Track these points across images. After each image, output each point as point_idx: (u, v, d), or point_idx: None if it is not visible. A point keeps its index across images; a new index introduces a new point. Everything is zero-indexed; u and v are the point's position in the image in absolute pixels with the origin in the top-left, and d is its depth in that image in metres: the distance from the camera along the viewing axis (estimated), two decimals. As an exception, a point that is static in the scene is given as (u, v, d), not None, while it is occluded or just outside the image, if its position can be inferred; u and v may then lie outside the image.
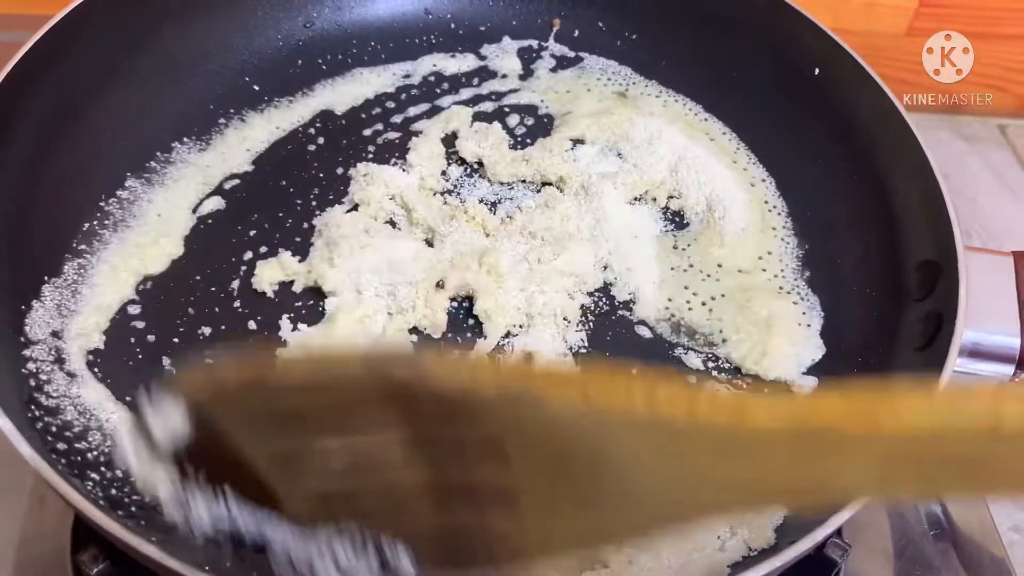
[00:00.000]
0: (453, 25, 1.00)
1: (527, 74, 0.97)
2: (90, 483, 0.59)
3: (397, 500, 0.45)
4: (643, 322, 0.78)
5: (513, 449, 0.42)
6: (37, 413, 0.63)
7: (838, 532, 0.71)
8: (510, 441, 0.42)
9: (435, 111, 0.92)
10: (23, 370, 0.66)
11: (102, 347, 0.71)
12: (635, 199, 0.87)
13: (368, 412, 0.43)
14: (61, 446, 0.62)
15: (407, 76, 0.95)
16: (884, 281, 0.79)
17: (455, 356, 0.45)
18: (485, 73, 0.97)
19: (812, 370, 0.76)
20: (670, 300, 0.80)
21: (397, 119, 0.91)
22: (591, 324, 0.77)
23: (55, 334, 0.70)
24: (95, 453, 0.64)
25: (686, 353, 0.76)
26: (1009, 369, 0.72)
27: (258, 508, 0.46)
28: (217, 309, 0.75)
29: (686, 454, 0.40)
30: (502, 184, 0.87)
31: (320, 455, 0.44)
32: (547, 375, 0.42)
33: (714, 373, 0.75)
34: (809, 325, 0.79)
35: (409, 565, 0.45)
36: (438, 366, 0.42)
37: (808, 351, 0.77)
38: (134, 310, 0.74)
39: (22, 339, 0.67)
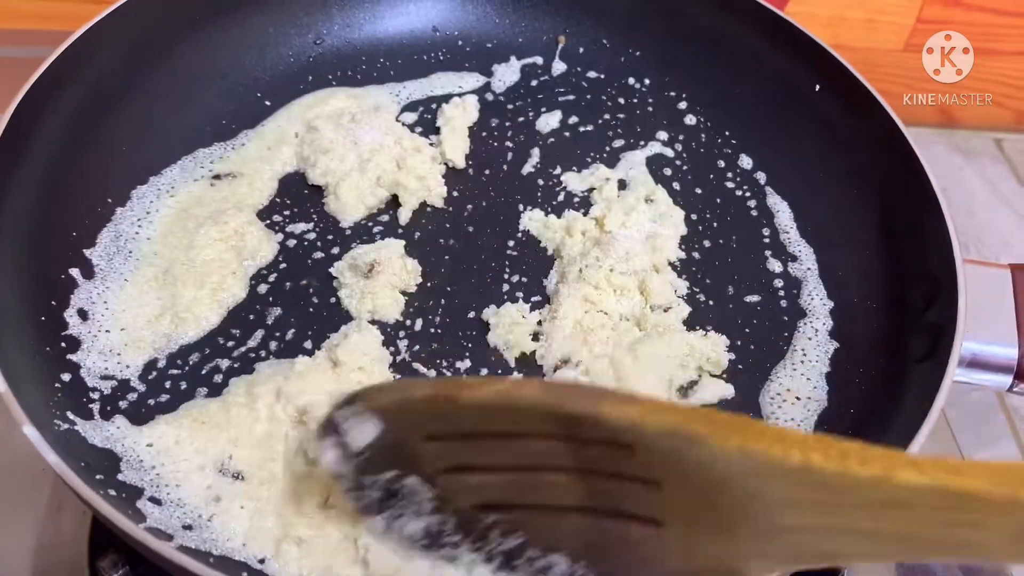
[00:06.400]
0: (460, 43, 1.01)
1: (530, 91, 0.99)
2: (112, 491, 0.60)
3: (548, 514, 0.52)
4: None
5: (667, 479, 0.47)
6: (64, 423, 0.64)
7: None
8: (666, 472, 0.47)
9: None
10: (51, 381, 0.67)
11: (127, 358, 0.72)
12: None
13: (537, 436, 0.49)
14: (86, 457, 0.63)
15: (413, 92, 0.97)
16: (885, 293, 0.81)
17: (625, 395, 0.48)
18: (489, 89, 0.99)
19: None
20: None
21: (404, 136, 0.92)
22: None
23: (79, 347, 0.71)
24: (120, 464, 0.65)
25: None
26: (1007, 380, 0.73)
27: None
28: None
29: (832, 503, 0.43)
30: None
31: (485, 473, 0.52)
32: (711, 420, 0.46)
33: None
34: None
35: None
36: (609, 403, 0.47)
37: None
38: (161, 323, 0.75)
39: (48, 349, 0.69)
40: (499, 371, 0.76)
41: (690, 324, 0.80)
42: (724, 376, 0.78)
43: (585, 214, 0.87)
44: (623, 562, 0.52)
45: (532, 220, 0.87)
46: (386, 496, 0.56)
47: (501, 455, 0.52)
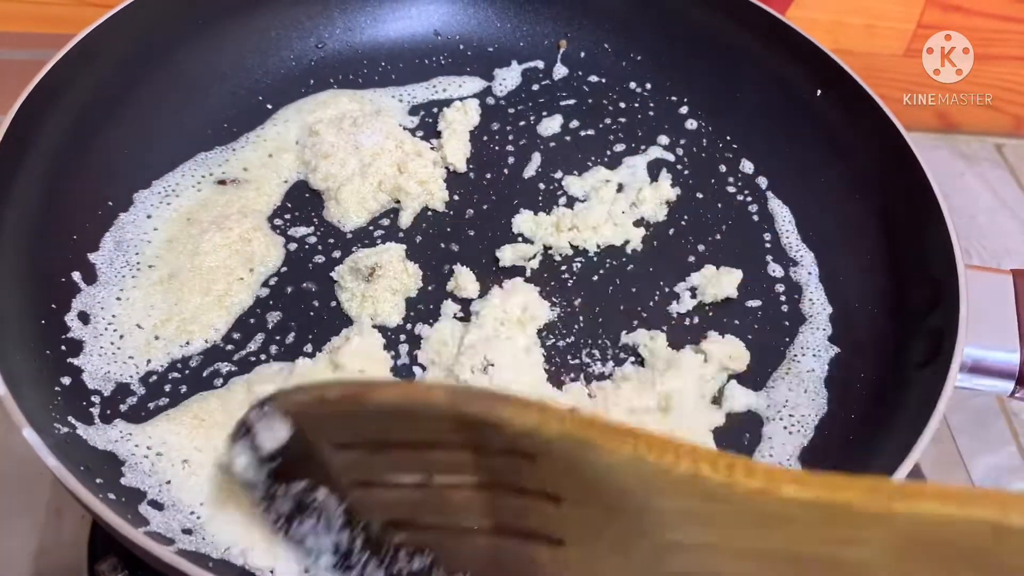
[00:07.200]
0: (462, 47, 1.02)
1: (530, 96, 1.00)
2: (113, 494, 0.60)
3: (455, 534, 0.52)
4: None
5: (568, 493, 0.47)
6: (64, 426, 0.64)
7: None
8: (566, 484, 0.47)
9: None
10: (51, 384, 0.67)
11: (128, 362, 0.72)
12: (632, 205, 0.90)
13: (442, 446, 0.49)
14: (87, 461, 0.63)
15: (415, 96, 0.97)
16: (886, 299, 0.81)
17: (527, 400, 0.47)
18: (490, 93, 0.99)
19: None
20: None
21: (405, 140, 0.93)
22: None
23: (80, 350, 0.71)
24: (123, 468, 0.65)
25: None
26: (1009, 385, 0.73)
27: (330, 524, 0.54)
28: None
29: (719, 517, 0.43)
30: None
31: (393, 489, 0.52)
32: (606, 427, 0.45)
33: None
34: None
35: None
36: (510, 407, 0.47)
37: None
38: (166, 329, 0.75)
39: (48, 352, 0.69)
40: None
41: (696, 331, 0.81)
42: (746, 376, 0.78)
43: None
44: None
45: (524, 221, 0.87)
46: (297, 510, 0.55)
47: (409, 468, 0.52)
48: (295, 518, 0.55)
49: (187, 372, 0.73)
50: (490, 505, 0.51)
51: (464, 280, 0.80)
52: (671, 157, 0.95)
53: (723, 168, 0.95)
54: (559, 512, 0.48)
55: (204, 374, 0.73)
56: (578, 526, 0.48)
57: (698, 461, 0.43)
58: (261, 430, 0.53)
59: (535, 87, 1.00)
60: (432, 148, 0.91)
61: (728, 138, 0.97)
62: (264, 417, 0.53)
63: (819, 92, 0.91)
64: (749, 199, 0.92)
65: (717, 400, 0.76)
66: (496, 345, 0.74)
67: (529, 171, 0.92)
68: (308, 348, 0.76)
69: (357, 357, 0.72)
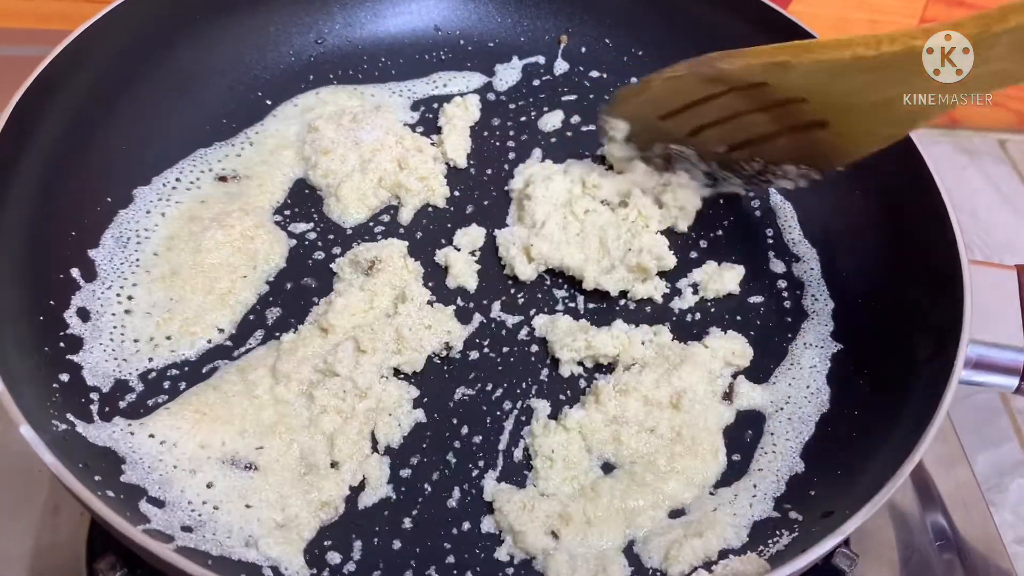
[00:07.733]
0: (462, 42, 1.01)
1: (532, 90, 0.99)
2: (112, 492, 0.60)
3: (766, 141, 0.79)
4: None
5: (804, 94, 0.72)
6: (63, 423, 0.64)
7: (846, 542, 0.72)
8: (801, 90, 0.71)
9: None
10: (49, 381, 0.67)
11: (128, 359, 0.72)
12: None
13: (719, 95, 0.77)
14: (86, 458, 0.63)
15: (415, 92, 0.97)
16: (889, 295, 0.80)
17: (738, 51, 0.73)
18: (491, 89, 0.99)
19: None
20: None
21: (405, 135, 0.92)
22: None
23: (80, 347, 0.71)
24: (123, 465, 0.65)
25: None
26: (1014, 381, 0.73)
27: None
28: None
29: (887, 79, 0.66)
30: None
31: (710, 128, 0.81)
32: (791, 49, 0.69)
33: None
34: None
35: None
36: (723, 59, 0.74)
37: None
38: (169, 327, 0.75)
39: (46, 349, 0.68)
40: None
41: (699, 326, 0.81)
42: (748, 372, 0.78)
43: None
44: (823, 155, 0.77)
45: None
46: (667, 159, 0.86)
47: (708, 114, 0.79)
48: (670, 164, 0.87)
49: (186, 369, 0.73)
50: (770, 118, 0.76)
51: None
52: (673, 153, 0.95)
53: (725, 163, 0.94)
54: (809, 106, 0.72)
55: (203, 371, 0.73)
56: (828, 111, 0.72)
57: (855, 48, 0.65)
58: (609, 130, 0.86)
59: (536, 82, 1.00)
60: (432, 144, 0.91)
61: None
62: (606, 123, 0.86)
63: (822, 87, 0.91)
64: (751, 195, 0.92)
65: (728, 396, 0.76)
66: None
67: (530, 167, 0.92)
68: (308, 345, 0.75)
69: (345, 315, 0.74)
